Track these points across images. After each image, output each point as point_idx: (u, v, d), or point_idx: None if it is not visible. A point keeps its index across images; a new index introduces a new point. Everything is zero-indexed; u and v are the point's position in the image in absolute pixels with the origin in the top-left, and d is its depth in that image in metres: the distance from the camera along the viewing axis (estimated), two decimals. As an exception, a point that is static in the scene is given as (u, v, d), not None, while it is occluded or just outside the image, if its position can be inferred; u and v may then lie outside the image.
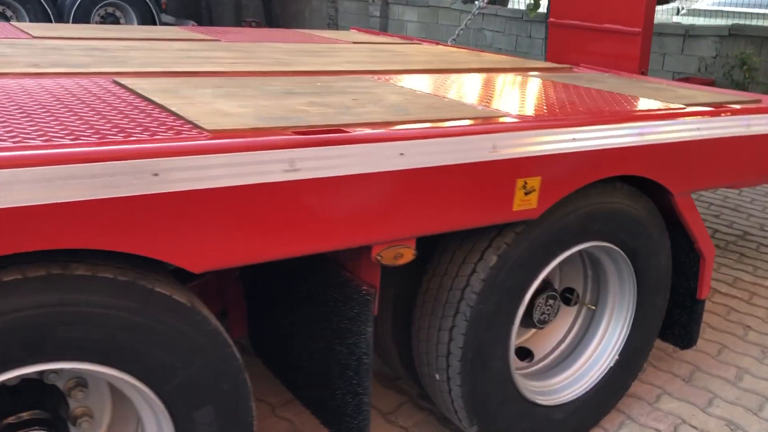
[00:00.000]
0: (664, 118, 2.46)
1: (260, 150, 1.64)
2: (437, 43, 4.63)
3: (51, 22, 10.44)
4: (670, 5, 10.44)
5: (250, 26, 12.44)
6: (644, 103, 2.68)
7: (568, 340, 2.87)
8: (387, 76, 2.86)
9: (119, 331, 1.62)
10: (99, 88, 2.16)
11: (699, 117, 2.56)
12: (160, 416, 1.79)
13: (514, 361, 2.53)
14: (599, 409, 2.81)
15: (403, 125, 1.98)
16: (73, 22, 10.38)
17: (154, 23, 11.34)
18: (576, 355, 2.81)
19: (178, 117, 1.82)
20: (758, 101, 2.96)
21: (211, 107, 1.95)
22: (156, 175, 1.52)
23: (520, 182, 2.13)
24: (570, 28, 4.72)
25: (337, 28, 12.86)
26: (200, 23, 13.41)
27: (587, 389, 2.72)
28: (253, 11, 14.14)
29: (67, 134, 1.59)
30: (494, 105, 2.42)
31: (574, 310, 2.89)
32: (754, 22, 9.28)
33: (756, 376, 3.32)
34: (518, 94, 2.74)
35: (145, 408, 1.82)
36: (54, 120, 1.71)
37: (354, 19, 12.70)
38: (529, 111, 2.37)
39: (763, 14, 9.83)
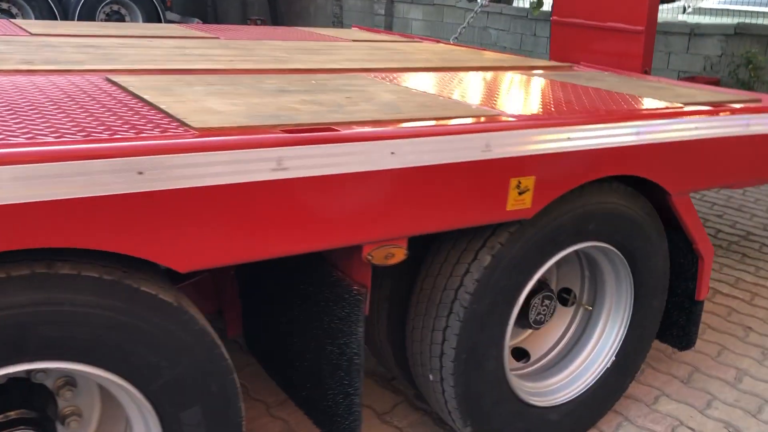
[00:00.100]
0: (662, 117, 2.43)
1: (247, 148, 1.62)
2: (438, 41, 4.61)
3: (56, 19, 10.45)
4: (676, 4, 10.39)
5: (255, 24, 12.43)
6: (642, 102, 2.65)
7: (564, 341, 2.85)
8: (383, 75, 2.85)
9: (104, 331, 1.60)
10: (90, 86, 2.15)
11: (697, 116, 2.53)
12: (147, 416, 1.78)
13: (509, 361, 2.51)
14: (595, 410, 2.79)
15: (395, 124, 1.96)
16: (78, 20, 10.39)
17: (159, 21, 11.36)
18: (572, 356, 2.78)
19: (167, 115, 1.81)
20: (758, 101, 2.93)
21: (201, 105, 1.94)
22: (141, 173, 1.51)
23: (513, 182, 2.11)
24: (573, 27, 4.70)
25: (341, 26, 12.84)
26: (206, 21, 13.43)
27: (583, 390, 2.70)
28: (259, 9, 14.14)
29: (53, 132, 1.57)
30: (489, 103, 2.39)
31: (571, 310, 2.87)
32: (760, 21, 9.21)
33: (756, 377, 3.29)
34: (514, 92, 2.72)
35: (132, 407, 1.80)
36: (40, 117, 1.70)
37: (359, 17, 12.67)
38: (524, 110, 2.35)
39: (770, 13, 9.77)
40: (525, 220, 2.23)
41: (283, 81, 2.47)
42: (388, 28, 12.12)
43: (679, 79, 7.30)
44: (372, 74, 2.83)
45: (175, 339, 1.71)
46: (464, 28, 6.04)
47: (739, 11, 10.18)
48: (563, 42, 4.77)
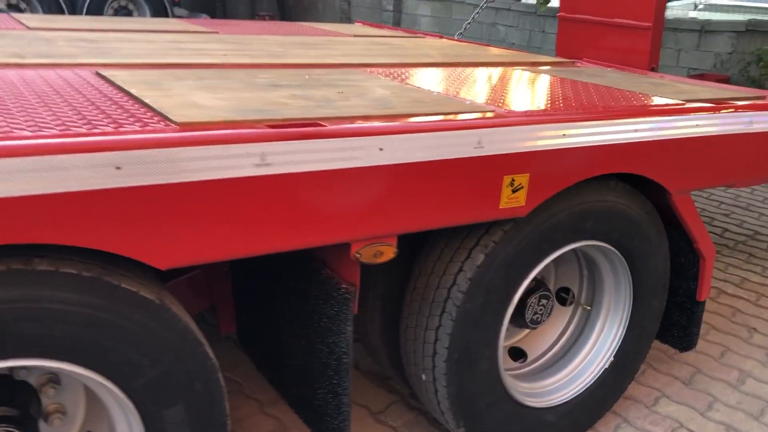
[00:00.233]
0: (661, 113, 2.38)
1: (229, 143, 1.59)
2: (441, 37, 4.56)
3: (64, 14, 10.46)
4: (687, 0, 10.29)
5: (263, 20, 12.41)
6: (642, 99, 2.60)
7: (562, 341, 2.80)
8: (380, 70, 2.81)
9: (83, 328, 1.58)
10: (78, 80, 2.12)
11: (698, 113, 2.47)
12: (128, 414, 1.75)
13: (504, 362, 2.47)
14: (593, 411, 2.74)
15: (385, 119, 1.92)
16: (86, 16, 10.40)
17: (167, 17, 11.35)
18: (570, 357, 2.74)
19: (150, 109, 1.78)
20: (763, 98, 2.87)
21: (187, 99, 1.91)
22: (119, 168, 1.48)
23: (507, 179, 2.07)
24: (580, 23, 4.64)
25: (349, 22, 12.80)
26: (214, 17, 13.41)
27: (580, 391, 2.66)
28: (267, 5, 14.10)
29: (31, 125, 1.55)
30: (484, 99, 2.35)
31: (569, 310, 2.83)
32: (772, 18, 9.10)
33: (759, 379, 3.24)
34: (511, 88, 2.67)
35: (114, 406, 1.78)
36: (21, 111, 1.67)
37: (367, 13, 12.62)
38: (519, 106, 2.30)
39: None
40: (519, 218, 2.19)
41: (276, 76, 2.44)
42: (396, 24, 12.06)
43: (689, 76, 7.22)
44: (368, 69, 2.79)
45: (157, 337, 1.68)
46: (469, 24, 5.98)
47: (751, 8, 10.06)
48: (570, 38, 4.72)
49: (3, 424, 1.71)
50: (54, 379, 1.88)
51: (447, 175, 1.94)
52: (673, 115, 2.40)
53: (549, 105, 2.34)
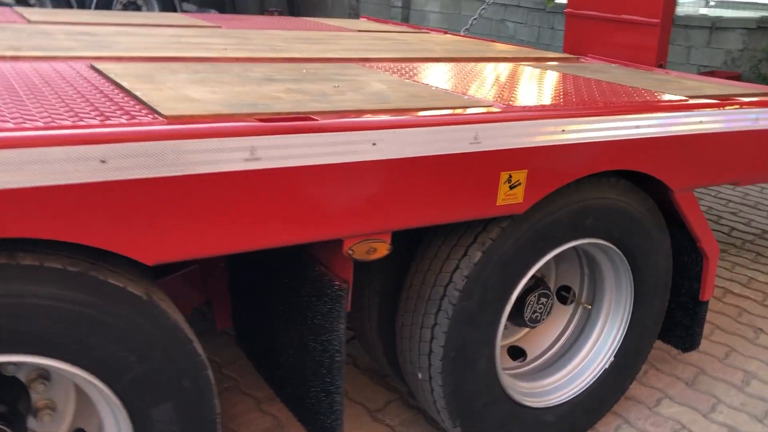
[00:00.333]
0: (663, 109, 2.34)
1: (217, 137, 1.56)
2: (445, 33, 4.52)
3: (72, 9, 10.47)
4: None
5: (272, 15, 12.38)
6: (644, 94, 2.56)
7: (562, 340, 2.76)
8: (380, 64, 2.77)
9: (68, 324, 1.55)
10: (71, 73, 2.10)
11: (701, 109, 2.43)
12: (116, 412, 1.73)
13: (502, 361, 2.44)
14: (593, 412, 2.71)
15: (379, 114, 1.89)
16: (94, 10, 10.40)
17: (175, 12, 11.34)
18: (570, 356, 2.70)
19: (139, 102, 1.75)
20: (769, 94, 2.82)
21: (179, 93, 1.88)
22: (104, 162, 1.45)
23: (504, 175, 2.03)
24: (587, 19, 4.59)
25: (357, 18, 12.76)
26: (223, 12, 13.40)
27: (580, 391, 2.62)
28: (276, 0, 14.08)
29: (15, 118, 1.52)
30: (482, 95, 2.31)
31: (570, 309, 2.79)
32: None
33: (764, 381, 3.19)
34: (511, 83, 2.63)
35: (102, 403, 1.76)
36: (7, 104, 1.65)
37: (375, 10, 12.58)
38: (518, 101, 2.26)
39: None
40: (517, 215, 2.16)
41: (273, 70, 2.41)
42: (405, 20, 12.02)
43: (699, 73, 7.15)
44: (368, 64, 2.76)
45: (145, 333, 1.66)
46: (475, 19, 5.93)
47: (763, 4, 9.95)
48: (577, 35, 4.67)
49: (-9, 420, 1.70)
50: (44, 375, 1.86)
51: (442, 171, 1.91)
52: (676, 111, 2.36)
53: (549, 100, 2.30)
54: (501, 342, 2.37)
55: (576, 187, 2.25)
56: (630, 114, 2.24)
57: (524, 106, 2.18)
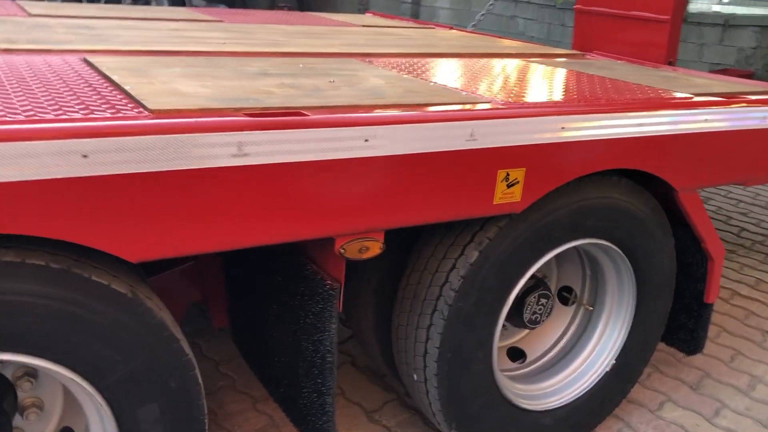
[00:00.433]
0: (667, 107, 2.28)
1: (203, 132, 1.52)
2: (451, 28, 4.47)
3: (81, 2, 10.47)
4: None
5: (282, 10, 12.34)
6: (648, 92, 2.50)
7: (563, 342, 2.72)
8: (379, 59, 2.73)
9: (51, 321, 1.52)
10: (63, 66, 2.07)
11: (707, 107, 2.37)
12: (101, 411, 1.70)
13: (502, 362, 2.40)
14: (593, 416, 2.66)
15: (373, 109, 1.85)
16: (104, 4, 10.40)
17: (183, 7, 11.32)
18: (570, 358, 2.65)
19: (127, 95, 1.72)
20: (778, 92, 2.75)
21: (169, 87, 1.84)
22: (85, 156, 1.42)
23: (501, 173, 1.99)
24: (597, 15, 4.53)
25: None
26: (233, 7, 13.36)
27: (580, 394, 2.57)
28: (287, -4, 14.04)
29: (-3, 111, 1.49)
30: (481, 91, 2.27)
31: (571, 310, 2.74)
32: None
33: (770, 385, 3.13)
34: (512, 80, 2.58)
35: (87, 402, 1.73)
36: (-8, 97, 1.62)
37: (385, 5, 12.52)
38: (517, 97, 2.21)
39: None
40: (515, 214, 2.11)
41: (269, 64, 2.37)
42: (415, 16, 11.95)
43: (711, 71, 7.05)
44: (368, 59, 2.71)
45: (130, 332, 1.63)
46: (483, 15, 5.88)
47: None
48: (587, 31, 4.61)
49: (-26, 418, 1.68)
50: (30, 373, 1.84)
51: (437, 169, 1.87)
52: (680, 109, 2.30)
53: (549, 97, 2.25)
54: (499, 343, 2.33)
55: (576, 186, 2.20)
56: (632, 111, 2.19)
57: (523, 103, 2.14)
